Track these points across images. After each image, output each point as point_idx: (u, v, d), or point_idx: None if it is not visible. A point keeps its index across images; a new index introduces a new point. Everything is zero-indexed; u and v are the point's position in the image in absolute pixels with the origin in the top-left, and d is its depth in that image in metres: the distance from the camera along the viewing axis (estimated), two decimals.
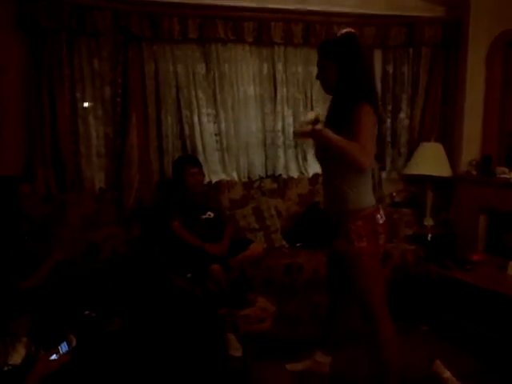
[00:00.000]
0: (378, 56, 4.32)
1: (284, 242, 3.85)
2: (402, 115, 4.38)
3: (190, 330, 2.74)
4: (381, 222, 2.22)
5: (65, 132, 3.48)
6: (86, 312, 1.81)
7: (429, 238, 3.94)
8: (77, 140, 3.59)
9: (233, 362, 2.83)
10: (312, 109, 4.16)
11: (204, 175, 3.64)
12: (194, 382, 2.46)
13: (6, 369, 1.64)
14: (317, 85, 4.08)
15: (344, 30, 2.26)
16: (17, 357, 1.73)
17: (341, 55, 2.17)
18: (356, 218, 2.17)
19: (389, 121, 4.39)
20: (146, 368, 2.24)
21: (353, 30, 2.25)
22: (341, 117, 2.15)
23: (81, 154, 3.61)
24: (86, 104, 3.62)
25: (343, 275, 2.36)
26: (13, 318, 2.00)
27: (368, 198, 2.23)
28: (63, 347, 1.78)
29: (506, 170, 3.75)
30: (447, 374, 2.56)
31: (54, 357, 1.76)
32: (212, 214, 3.54)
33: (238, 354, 2.90)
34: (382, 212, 2.26)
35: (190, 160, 3.61)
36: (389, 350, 2.27)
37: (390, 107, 4.38)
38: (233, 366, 2.79)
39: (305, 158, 4.25)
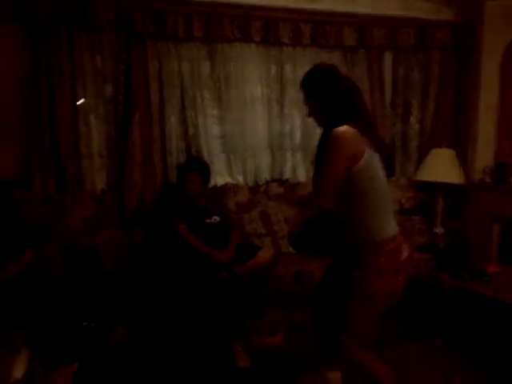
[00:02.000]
0: (388, 58, 4.22)
1: (291, 248, 3.69)
2: (413, 120, 4.27)
3: (198, 340, 2.60)
4: (403, 257, 2.02)
5: (65, 131, 3.32)
6: (85, 323, 1.64)
7: (440, 247, 3.81)
8: (77, 139, 3.42)
9: (240, 374, 2.68)
10: None
11: (206, 180, 3.45)
12: None
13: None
14: None
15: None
16: (19, 371, 1.56)
17: (319, 91, 2.05)
18: (379, 253, 1.97)
19: (399, 125, 4.28)
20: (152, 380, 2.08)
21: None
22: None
23: (81, 154, 3.45)
24: (80, 101, 3.45)
25: (338, 294, 2.16)
26: (10, 327, 1.83)
27: (387, 228, 2.02)
28: None
29: None
30: None
31: None
32: (218, 219, 3.40)
33: (246, 365, 2.75)
34: (405, 245, 2.05)
35: (188, 165, 3.43)
36: (355, 358, 2.11)
37: (399, 111, 4.27)
38: (240, 378, 2.64)
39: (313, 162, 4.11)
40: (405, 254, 2.02)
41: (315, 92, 2.07)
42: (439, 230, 4.01)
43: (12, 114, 3.26)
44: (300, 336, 2.94)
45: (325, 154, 1.92)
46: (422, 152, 4.20)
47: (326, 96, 2.03)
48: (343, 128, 1.90)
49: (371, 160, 1.95)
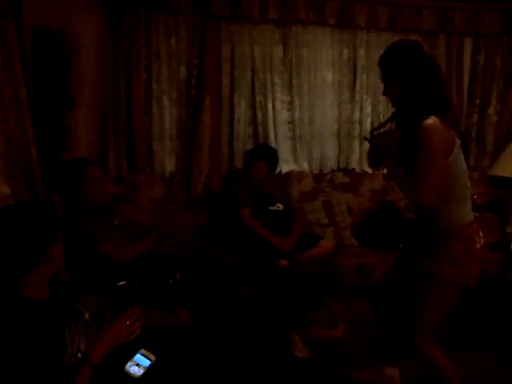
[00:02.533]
0: (468, 44, 3.99)
1: (354, 240, 3.66)
2: (491, 110, 4.04)
3: (257, 328, 2.65)
4: (478, 245, 1.95)
5: (139, 113, 3.42)
6: (122, 282, 1.67)
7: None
8: (150, 122, 3.52)
9: (297, 364, 2.71)
10: None
11: (272, 167, 3.43)
12: (256, 379, 2.37)
13: (79, 355, 1.56)
14: None
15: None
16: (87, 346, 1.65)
17: (402, 69, 1.90)
18: (453, 240, 1.92)
19: (475, 116, 4.07)
20: (208, 363, 2.14)
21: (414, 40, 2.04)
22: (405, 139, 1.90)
23: (153, 136, 3.55)
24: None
25: (411, 289, 2.10)
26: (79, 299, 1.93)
27: (462, 214, 1.95)
28: (141, 361, 1.64)
29: None
30: None
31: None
32: (281, 206, 3.41)
33: (303, 355, 2.78)
34: (481, 233, 1.99)
35: (255, 152, 3.42)
36: (426, 353, 2.06)
37: (477, 101, 4.05)
38: (297, 368, 2.67)
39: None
40: (479, 242, 1.96)
41: (397, 70, 1.91)
42: None
43: (91, 93, 3.40)
44: (359, 330, 2.93)
45: (419, 152, 1.82)
46: (498, 145, 3.99)
47: (411, 77, 1.89)
48: (433, 121, 1.80)
49: (459, 152, 1.89)
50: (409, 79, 1.89)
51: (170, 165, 3.63)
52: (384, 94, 2.02)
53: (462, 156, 1.93)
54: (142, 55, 3.39)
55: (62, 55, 3.13)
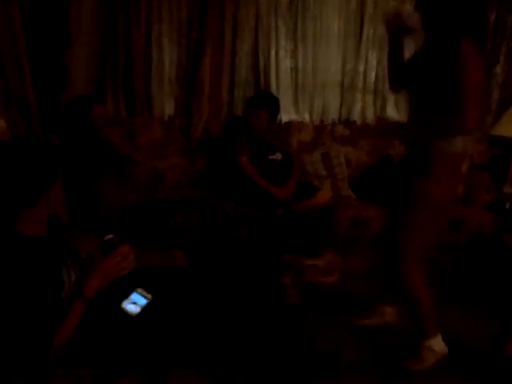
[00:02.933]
0: None
1: (351, 192, 3.67)
2: (498, 69, 3.96)
3: (249, 270, 2.69)
4: (465, 167, 2.02)
5: (138, 54, 3.34)
6: (109, 236, 1.68)
7: (507, 207, 3.66)
8: (149, 64, 3.44)
9: (289, 308, 2.77)
10: None
11: (272, 116, 3.37)
12: (248, 322, 2.42)
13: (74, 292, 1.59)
14: None
15: None
16: None
17: None
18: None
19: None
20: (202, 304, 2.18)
21: None
22: (433, 61, 1.87)
23: (152, 79, 3.47)
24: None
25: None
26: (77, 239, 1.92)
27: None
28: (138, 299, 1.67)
29: None
30: None
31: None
32: (280, 156, 3.39)
33: (294, 300, 2.83)
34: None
35: (256, 100, 3.34)
36: (410, 278, 2.14)
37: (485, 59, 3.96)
38: (289, 312, 2.73)
39: (383, 106, 3.95)
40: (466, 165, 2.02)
41: None
42: (508, 189, 3.83)
43: (89, 31, 3.29)
44: (353, 280, 2.98)
45: (459, 70, 1.79)
46: (503, 105, 3.94)
47: None
48: (473, 48, 1.77)
49: None
50: None
51: (168, 108, 3.57)
52: (416, 6, 1.94)
53: None
54: None
55: None
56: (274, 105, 3.35)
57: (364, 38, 3.79)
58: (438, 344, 2.22)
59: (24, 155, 1.50)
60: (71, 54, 3.20)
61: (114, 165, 2.74)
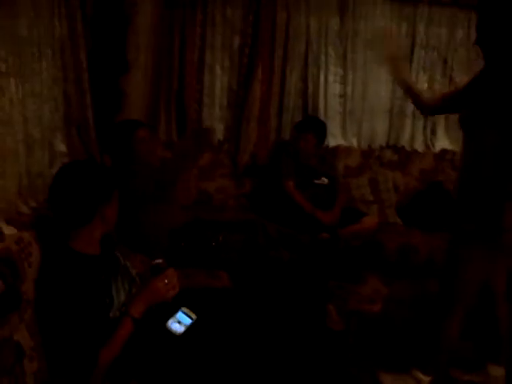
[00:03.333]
0: None
1: (398, 219, 3.62)
2: None
3: (293, 295, 2.69)
4: None
5: (191, 79, 3.47)
6: (158, 260, 1.74)
7: None
8: (201, 89, 3.56)
9: (331, 336, 2.75)
10: (451, 78, 3.78)
11: (320, 141, 3.43)
12: (292, 348, 2.42)
13: (123, 309, 1.65)
14: (460, 52, 3.70)
15: None
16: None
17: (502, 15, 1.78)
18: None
19: None
20: (246, 326, 2.21)
21: None
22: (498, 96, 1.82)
23: (203, 104, 3.59)
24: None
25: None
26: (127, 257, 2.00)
27: None
28: (183, 319, 1.72)
29: None
30: None
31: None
32: (326, 180, 3.40)
33: (338, 327, 2.81)
34: None
35: (305, 125, 3.41)
36: None
37: None
38: (332, 340, 2.71)
39: (433, 132, 3.91)
40: None
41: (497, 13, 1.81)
42: None
43: (146, 57, 3.44)
44: (397, 308, 2.92)
45: None
46: None
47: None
48: None
49: None
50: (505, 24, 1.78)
51: (218, 133, 3.67)
52: (476, 43, 1.92)
53: None
54: (197, 22, 3.41)
55: (119, 20, 3.19)
56: (321, 129, 3.40)
57: (414, 63, 3.79)
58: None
59: (78, 175, 1.60)
60: (128, 79, 3.36)
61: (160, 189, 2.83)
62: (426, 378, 2.21)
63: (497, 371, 2.30)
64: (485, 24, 1.87)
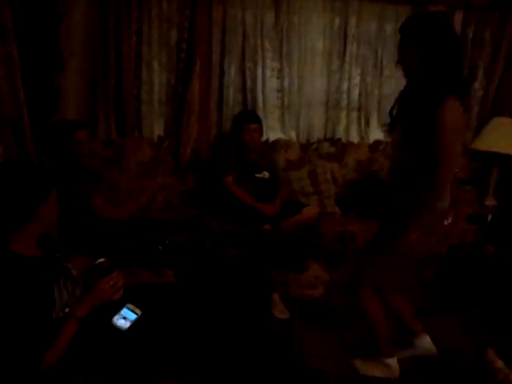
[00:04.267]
0: (458, 18, 3.98)
1: (337, 209, 3.76)
2: (477, 85, 4.08)
3: (238, 287, 2.75)
4: (446, 223, 2.18)
5: (128, 76, 3.42)
6: (101, 259, 1.76)
7: (488, 219, 3.76)
8: (139, 85, 3.53)
9: (277, 324, 2.83)
10: (381, 70, 3.95)
11: (261, 133, 3.53)
12: (236, 338, 2.48)
13: (66, 310, 1.65)
14: (390, 45, 3.87)
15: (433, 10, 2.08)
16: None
17: (426, 39, 1.91)
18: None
19: None
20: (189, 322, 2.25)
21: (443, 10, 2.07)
22: (421, 114, 1.97)
23: (142, 100, 3.56)
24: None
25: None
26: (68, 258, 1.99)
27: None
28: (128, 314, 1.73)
29: None
30: (500, 363, 2.47)
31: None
32: (267, 174, 3.48)
33: (283, 316, 2.90)
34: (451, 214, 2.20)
35: (247, 116, 3.51)
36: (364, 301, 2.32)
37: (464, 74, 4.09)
38: (277, 328, 2.79)
39: (367, 123, 4.07)
40: (449, 220, 2.18)
41: (420, 40, 1.92)
42: (490, 201, 3.94)
43: (80, 56, 3.38)
44: (338, 294, 3.05)
45: (441, 124, 1.90)
46: (482, 120, 4.07)
47: (434, 49, 1.90)
48: (454, 105, 1.89)
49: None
50: (431, 52, 1.90)
51: (158, 129, 3.66)
52: (398, 62, 2.03)
53: None
54: (132, 18, 3.36)
55: (51, 15, 3.11)
56: (261, 122, 3.48)
57: (347, 56, 3.90)
58: (393, 364, 2.39)
59: (12, 174, 1.58)
60: (63, 77, 3.29)
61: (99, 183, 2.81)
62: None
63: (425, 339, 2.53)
64: (404, 45, 2.01)
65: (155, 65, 3.55)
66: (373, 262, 2.26)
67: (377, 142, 3.99)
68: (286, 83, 3.85)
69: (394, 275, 2.31)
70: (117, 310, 1.71)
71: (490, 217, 3.76)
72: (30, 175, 1.62)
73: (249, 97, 3.79)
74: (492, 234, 3.57)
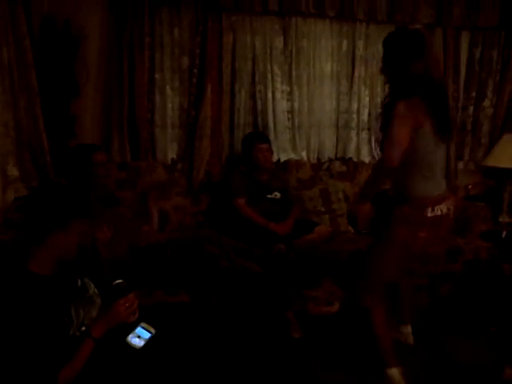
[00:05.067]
0: (465, 38, 4.06)
1: (349, 228, 3.76)
2: (487, 103, 4.12)
3: (254, 308, 2.76)
4: (429, 215, 2.18)
5: (142, 101, 3.51)
6: (118, 281, 1.79)
7: (503, 236, 3.73)
8: (152, 109, 3.62)
9: (293, 343, 2.82)
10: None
11: (272, 152, 3.58)
12: (250, 357, 2.48)
13: (83, 328, 1.69)
14: None
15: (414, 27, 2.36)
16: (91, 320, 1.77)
17: (389, 53, 2.21)
18: (407, 205, 2.23)
19: (471, 108, 4.15)
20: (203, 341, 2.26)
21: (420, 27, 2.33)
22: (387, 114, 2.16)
23: (155, 124, 3.65)
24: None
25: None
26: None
27: (426, 188, 2.22)
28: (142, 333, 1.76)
29: None
30: None
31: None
32: (278, 195, 3.51)
33: (297, 335, 2.89)
34: (441, 206, 2.21)
35: (259, 136, 3.57)
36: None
37: (473, 94, 4.13)
38: (293, 348, 2.78)
39: (378, 142, 4.08)
40: (431, 212, 2.19)
41: (390, 55, 2.21)
42: (504, 218, 3.91)
43: (95, 81, 3.49)
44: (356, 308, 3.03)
45: (389, 122, 2.10)
46: (493, 137, 4.08)
47: (399, 61, 2.15)
48: (404, 103, 2.06)
49: (429, 135, 2.13)
50: (395, 64, 2.18)
51: (171, 152, 3.73)
52: (380, 72, 2.34)
53: (433, 141, 2.16)
54: (145, 45, 3.47)
55: (68, 45, 3.24)
56: (270, 142, 3.55)
57: (356, 78, 3.96)
58: (396, 376, 2.34)
59: (41, 195, 1.70)
60: (79, 102, 3.40)
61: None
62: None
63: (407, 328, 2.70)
64: (386, 57, 2.26)
65: (168, 90, 3.65)
66: (373, 260, 2.38)
67: None
68: (296, 105, 3.92)
69: (394, 275, 2.41)
70: (131, 329, 1.75)
71: (504, 233, 3.74)
72: (54, 197, 1.69)
73: (259, 119, 3.86)
74: (507, 251, 3.54)
